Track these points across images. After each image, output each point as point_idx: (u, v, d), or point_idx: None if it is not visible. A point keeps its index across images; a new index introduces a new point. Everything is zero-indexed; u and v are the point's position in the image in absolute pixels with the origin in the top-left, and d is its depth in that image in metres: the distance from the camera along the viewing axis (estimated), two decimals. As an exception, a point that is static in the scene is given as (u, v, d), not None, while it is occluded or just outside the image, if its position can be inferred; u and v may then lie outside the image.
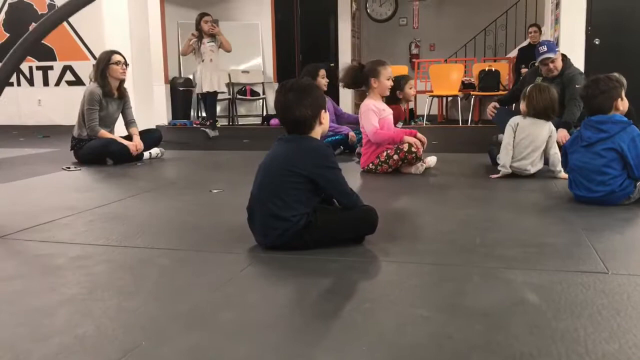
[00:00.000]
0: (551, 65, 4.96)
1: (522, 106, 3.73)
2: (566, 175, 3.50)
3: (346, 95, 10.08)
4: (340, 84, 4.43)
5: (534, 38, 8.34)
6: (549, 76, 5.04)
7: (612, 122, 2.90)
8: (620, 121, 2.90)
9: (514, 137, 3.69)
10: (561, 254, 2.16)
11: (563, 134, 4.26)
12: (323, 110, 2.29)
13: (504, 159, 3.70)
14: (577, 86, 4.67)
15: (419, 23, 12.08)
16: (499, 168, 3.74)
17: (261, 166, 2.30)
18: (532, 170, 3.70)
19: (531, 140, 3.66)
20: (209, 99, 7.21)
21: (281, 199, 2.17)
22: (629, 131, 2.87)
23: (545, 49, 4.97)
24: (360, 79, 4.18)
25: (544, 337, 1.43)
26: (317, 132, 2.30)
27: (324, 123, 2.31)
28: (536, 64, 5.23)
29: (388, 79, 4.13)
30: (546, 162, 3.73)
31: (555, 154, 3.64)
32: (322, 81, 5.27)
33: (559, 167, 3.60)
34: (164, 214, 3.02)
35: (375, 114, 4.04)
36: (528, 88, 3.81)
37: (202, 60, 6.97)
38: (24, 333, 1.54)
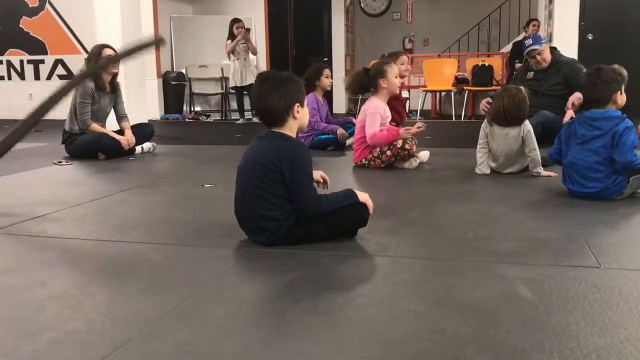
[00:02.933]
0: (539, 57, 4.97)
1: (487, 112, 3.69)
2: (548, 173, 3.50)
3: (340, 94, 10.06)
4: (346, 92, 4.44)
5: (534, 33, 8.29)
6: (538, 68, 5.05)
7: (605, 119, 2.89)
8: (613, 117, 2.89)
9: (487, 140, 3.68)
10: (554, 248, 2.16)
11: (578, 96, 4.38)
12: (298, 104, 2.20)
13: (479, 159, 3.71)
14: (584, 71, 4.67)
15: (412, 18, 12.08)
16: (476, 169, 3.74)
17: (240, 169, 2.26)
18: (514, 170, 3.68)
19: (504, 150, 3.63)
20: (249, 92, 8.29)
21: (265, 199, 2.14)
22: (623, 125, 2.86)
23: (531, 41, 5.00)
24: (368, 83, 4.17)
25: (536, 332, 1.43)
26: (292, 127, 2.22)
27: (299, 118, 2.22)
28: (524, 57, 5.26)
29: (396, 77, 4.13)
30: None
31: (536, 155, 3.56)
32: (327, 81, 5.24)
33: (539, 169, 3.54)
34: (155, 208, 3.01)
35: (380, 117, 4.03)
36: (495, 94, 3.77)
37: (237, 59, 8.25)
38: (13, 328, 1.53)
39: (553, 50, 5.11)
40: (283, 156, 2.12)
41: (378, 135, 4.00)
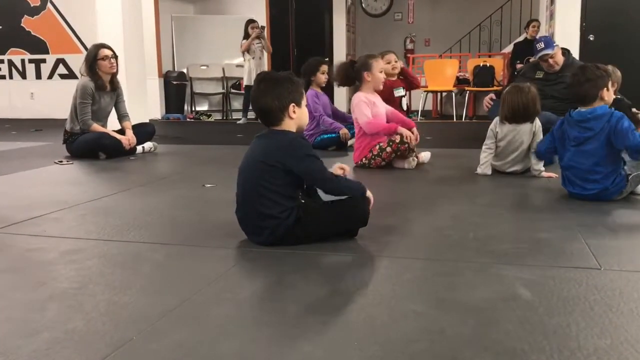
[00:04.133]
0: (551, 61, 4.91)
1: (501, 110, 3.63)
2: (549, 174, 3.49)
3: (341, 92, 10.05)
4: (335, 83, 4.45)
5: (534, 33, 8.25)
6: (550, 71, 4.99)
7: (594, 119, 2.87)
8: (602, 115, 2.87)
9: (495, 141, 3.66)
10: (554, 249, 2.16)
11: None
12: (294, 104, 2.21)
13: (483, 160, 3.69)
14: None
15: (414, 18, 12.08)
16: (477, 170, 3.73)
17: (241, 168, 2.27)
18: (518, 169, 3.67)
19: (514, 147, 3.62)
20: None
21: (265, 196, 2.15)
22: (614, 117, 2.85)
23: (543, 45, 4.92)
24: (353, 75, 4.18)
25: (535, 333, 1.43)
26: (290, 126, 2.24)
27: (296, 118, 2.23)
28: (532, 60, 5.21)
29: (381, 72, 4.14)
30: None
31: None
32: (322, 77, 5.25)
33: (540, 166, 3.52)
34: (156, 208, 3.01)
35: (367, 105, 4.05)
36: (505, 90, 3.74)
37: (253, 57, 8.37)
38: (14, 328, 1.53)
39: (566, 52, 5.03)
40: (285, 152, 2.15)
41: (374, 123, 4.02)
